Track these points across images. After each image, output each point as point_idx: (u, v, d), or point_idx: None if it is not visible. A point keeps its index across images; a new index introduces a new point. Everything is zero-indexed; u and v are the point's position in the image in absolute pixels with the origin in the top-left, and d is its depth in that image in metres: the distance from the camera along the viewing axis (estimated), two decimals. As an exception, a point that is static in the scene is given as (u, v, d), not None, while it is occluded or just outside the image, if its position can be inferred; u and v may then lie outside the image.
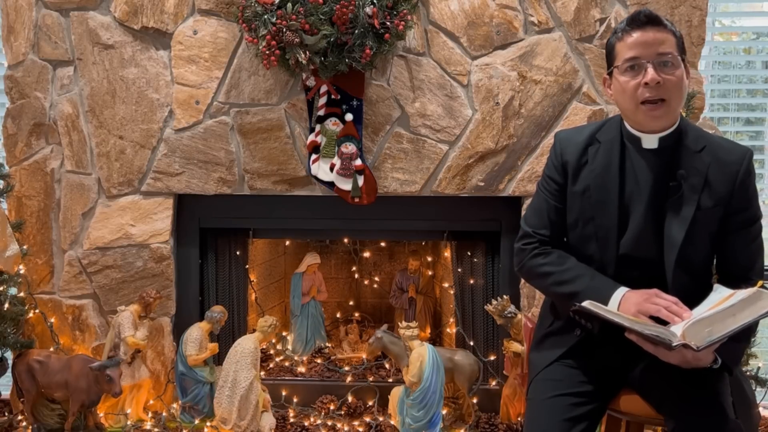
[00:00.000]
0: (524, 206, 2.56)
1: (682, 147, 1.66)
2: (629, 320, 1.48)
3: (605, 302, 1.59)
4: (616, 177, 1.68)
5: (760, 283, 1.58)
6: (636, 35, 1.61)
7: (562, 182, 1.76)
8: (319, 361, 2.94)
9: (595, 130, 1.76)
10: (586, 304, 1.51)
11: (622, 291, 1.61)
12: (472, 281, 2.74)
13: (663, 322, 1.51)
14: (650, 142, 1.67)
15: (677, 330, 1.45)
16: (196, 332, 2.54)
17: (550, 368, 1.72)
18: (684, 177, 1.64)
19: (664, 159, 1.66)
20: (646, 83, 1.58)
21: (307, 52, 2.28)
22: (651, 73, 1.57)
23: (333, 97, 2.47)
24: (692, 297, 1.57)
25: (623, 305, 1.58)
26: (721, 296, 1.54)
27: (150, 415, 2.59)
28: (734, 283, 1.61)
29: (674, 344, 1.41)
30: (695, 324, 1.44)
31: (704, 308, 1.53)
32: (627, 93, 1.62)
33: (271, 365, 2.91)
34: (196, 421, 2.54)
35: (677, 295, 1.57)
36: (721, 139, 1.73)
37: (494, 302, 2.44)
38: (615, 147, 1.71)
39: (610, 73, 1.70)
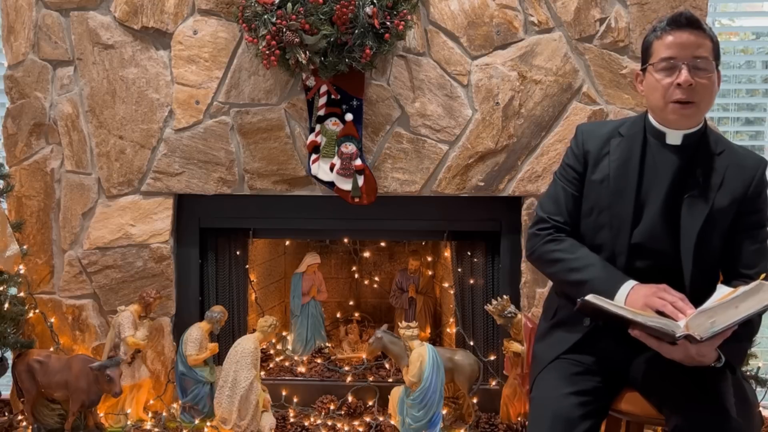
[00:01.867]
0: (524, 206, 2.56)
1: (703, 147, 1.71)
2: (632, 312, 1.49)
3: (613, 293, 1.61)
4: (636, 168, 1.72)
5: (762, 275, 1.59)
6: (674, 36, 1.64)
7: (582, 171, 1.79)
8: (319, 361, 2.94)
9: (618, 125, 1.81)
10: (589, 297, 1.51)
11: (630, 284, 1.62)
12: (472, 281, 2.74)
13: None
14: (675, 138, 1.71)
15: (681, 324, 1.47)
16: (196, 332, 2.54)
17: (554, 365, 1.73)
18: (703, 174, 1.68)
19: (685, 156, 1.70)
20: (678, 84, 1.62)
21: (307, 52, 2.28)
22: (685, 74, 1.61)
23: (333, 97, 2.47)
24: (702, 292, 1.59)
25: (631, 297, 1.59)
26: (722, 294, 1.55)
27: (150, 415, 2.59)
28: (736, 283, 1.62)
29: (678, 335, 1.42)
30: (698, 315, 1.45)
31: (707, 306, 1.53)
32: (659, 91, 1.66)
33: (271, 365, 2.91)
34: (196, 421, 2.54)
35: (691, 285, 1.61)
36: (738, 146, 1.78)
37: (494, 302, 2.43)
38: (637, 141, 1.75)
39: (643, 69, 1.73)
